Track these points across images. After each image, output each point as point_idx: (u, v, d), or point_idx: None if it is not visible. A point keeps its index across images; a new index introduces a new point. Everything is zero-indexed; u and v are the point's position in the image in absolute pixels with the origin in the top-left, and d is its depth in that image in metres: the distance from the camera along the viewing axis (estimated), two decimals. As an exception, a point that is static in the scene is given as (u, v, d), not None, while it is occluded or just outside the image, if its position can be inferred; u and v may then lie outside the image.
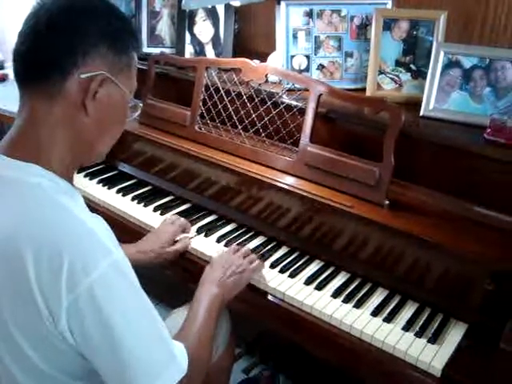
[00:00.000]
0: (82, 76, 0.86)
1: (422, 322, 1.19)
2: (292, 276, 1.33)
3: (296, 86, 1.47)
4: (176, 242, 1.45)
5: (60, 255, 0.79)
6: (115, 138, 0.99)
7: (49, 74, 0.86)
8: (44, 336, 0.83)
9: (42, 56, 0.86)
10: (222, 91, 1.58)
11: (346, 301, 1.25)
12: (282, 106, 1.46)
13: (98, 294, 0.80)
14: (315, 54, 1.63)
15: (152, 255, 1.39)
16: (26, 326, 0.84)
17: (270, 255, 1.41)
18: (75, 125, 0.90)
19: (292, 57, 1.63)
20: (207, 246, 1.46)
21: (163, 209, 1.63)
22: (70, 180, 0.93)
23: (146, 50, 2.02)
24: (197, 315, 1.10)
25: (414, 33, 1.50)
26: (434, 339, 1.13)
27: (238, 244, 1.45)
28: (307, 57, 1.63)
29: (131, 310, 0.85)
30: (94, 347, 0.84)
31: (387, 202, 1.27)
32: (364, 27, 1.61)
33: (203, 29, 1.90)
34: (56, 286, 0.79)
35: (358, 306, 1.23)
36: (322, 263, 1.39)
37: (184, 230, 1.49)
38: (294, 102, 1.46)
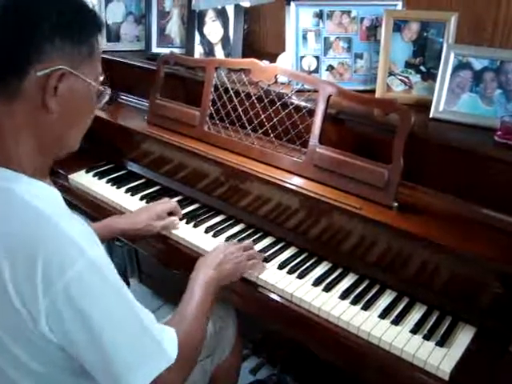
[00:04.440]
0: (39, 74, 0.82)
1: (430, 324, 1.19)
2: (300, 277, 1.33)
3: (305, 86, 1.47)
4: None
5: (34, 257, 0.79)
6: (85, 129, 0.96)
7: (3, 75, 0.83)
8: (27, 336, 0.84)
9: None
10: (231, 91, 1.58)
11: (353, 303, 1.25)
12: (291, 107, 1.46)
13: (74, 293, 0.81)
14: (325, 55, 1.63)
15: (139, 227, 1.46)
16: (9, 328, 0.85)
17: (278, 256, 1.42)
18: (40, 124, 0.87)
19: (301, 58, 1.63)
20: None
21: (172, 209, 1.63)
22: (45, 177, 0.92)
23: (155, 50, 2.02)
24: (192, 297, 1.12)
25: (425, 34, 1.49)
26: (442, 342, 1.13)
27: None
28: (317, 58, 1.63)
29: (110, 307, 0.86)
30: (76, 345, 0.85)
31: (396, 204, 1.26)
32: (374, 28, 1.60)
33: (213, 29, 1.90)
34: (32, 287, 0.79)
35: (365, 308, 1.23)
36: (330, 265, 1.38)
37: (173, 211, 1.55)
38: (303, 103, 1.46)
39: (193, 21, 1.92)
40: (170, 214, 1.55)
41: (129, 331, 0.88)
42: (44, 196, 0.87)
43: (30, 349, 0.86)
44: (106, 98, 0.98)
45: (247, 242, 1.41)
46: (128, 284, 2.20)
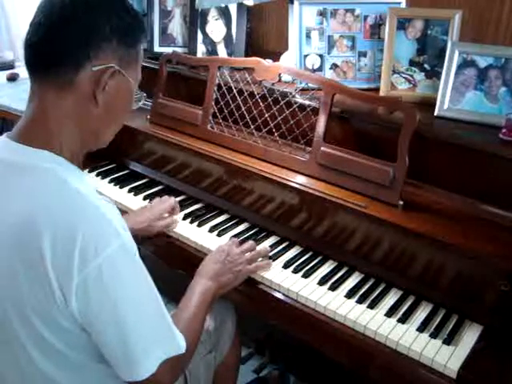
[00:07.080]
0: (94, 68, 0.89)
1: (436, 322, 1.18)
2: (305, 276, 1.32)
3: (309, 85, 1.47)
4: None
5: (74, 236, 0.83)
6: (120, 127, 1.03)
7: (61, 66, 0.89)
8: (56, 318, 0.87)
9: (56, 48, 0.88)
10: (234, 90, 1.57)
11: (359, 301, 1.24)
12: (295, 106, 1.46)
13: (105, 273, 0.84)
14: (328, 54, 1.63)
15: (140, 227, 1.46)
16: (41, 308, 0.87)
17: (283, 255, 1.41)
18: (84, 114, 0.93)
19: (305, 56, 1.63)
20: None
21: (175, 208, 1.62)
22: (79, 166, 0.96)
23: (157, 49, 2.02)
24: (188, 306, 1.14)
25: (429, 32, 1.49)
26: (449, 340, 1.12)
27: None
28: (320, 56, 1.63)
29: (135, 289, 0.90)
30: (98, 323, 0.88)
31: (401, 203, 1.26)
32: (378, 26, 1.60)
33: (215, 28, 1.90)
34: (69, 265, 0.83)
35: (372, 306, 1.23)
36: (335, 263, 1.38)
37: (173, 210, 1.56)
38: (307, 102, 1.46)
39: (195, 19, 1.92)
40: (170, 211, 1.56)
41: (150, 314, 0.92)
42: (81, 179, 0.91)
43: (56, 330, 0.88)
44: (142, 102, 1.06)
45: (249, 242, 1.38)
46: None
